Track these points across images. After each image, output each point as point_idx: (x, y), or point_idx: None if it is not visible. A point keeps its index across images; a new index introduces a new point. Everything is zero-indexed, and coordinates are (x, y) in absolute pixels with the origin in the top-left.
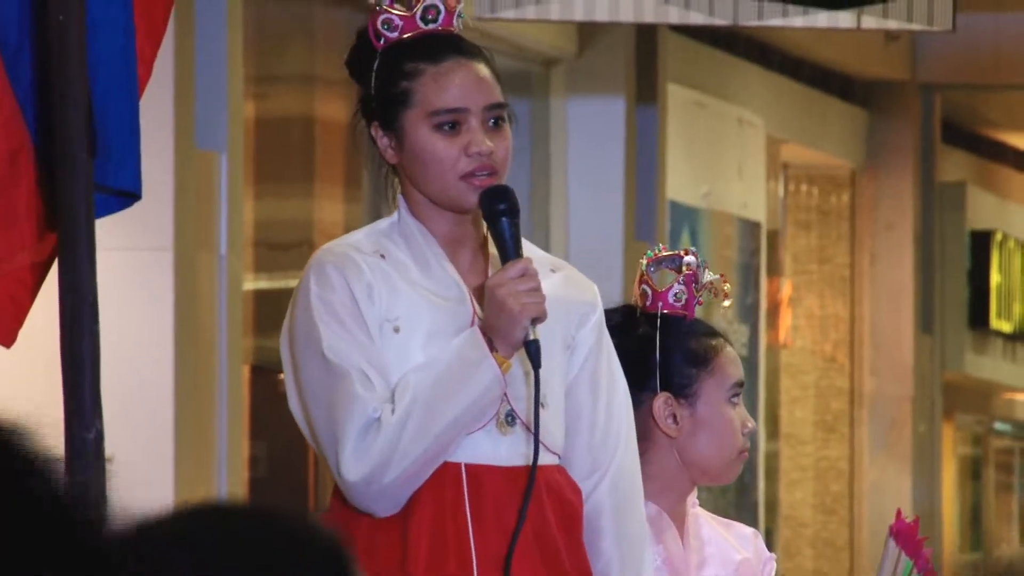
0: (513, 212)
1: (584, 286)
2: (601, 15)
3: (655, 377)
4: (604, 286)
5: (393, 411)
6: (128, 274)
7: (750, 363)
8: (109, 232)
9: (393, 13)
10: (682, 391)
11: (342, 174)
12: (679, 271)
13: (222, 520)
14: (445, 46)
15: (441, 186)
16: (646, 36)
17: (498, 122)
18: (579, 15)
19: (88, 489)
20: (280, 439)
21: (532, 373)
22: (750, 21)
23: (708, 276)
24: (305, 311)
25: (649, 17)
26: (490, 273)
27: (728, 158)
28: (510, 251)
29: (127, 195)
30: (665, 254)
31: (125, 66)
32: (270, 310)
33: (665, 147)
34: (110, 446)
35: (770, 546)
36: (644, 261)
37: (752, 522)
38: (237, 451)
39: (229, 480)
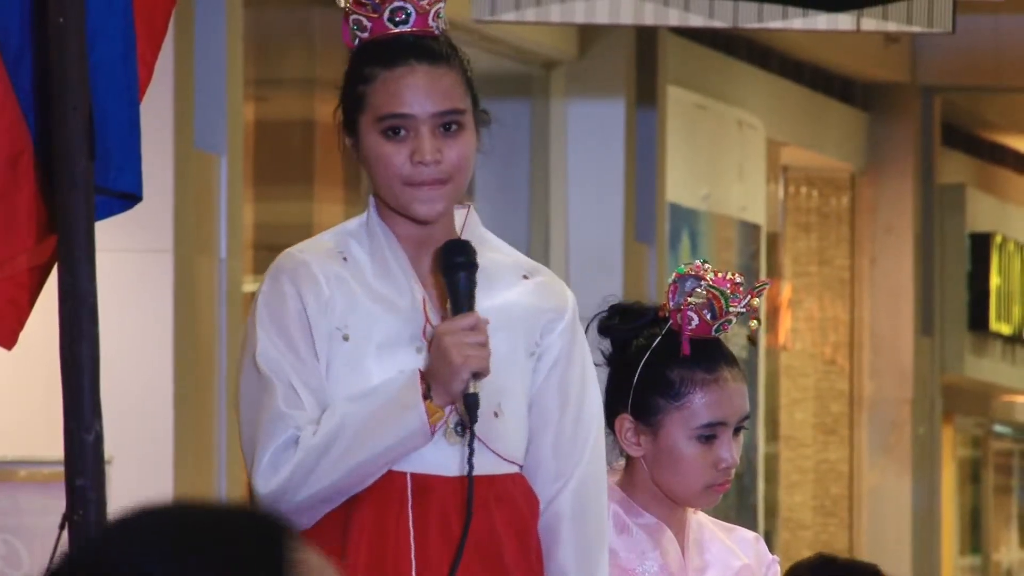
0: (471, 266)
1: (554, 293)
2: (601, 17)
3: (629, 396)
4: (604, 288)
5: (315, 433)
6: (128, 276)
7: (750, 365)
8: (108, 234)
9: (361, 15)
10: (646, 419)
11: (341, 176)
12: (694, 295)
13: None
14: (403, 50)
15: (390, 192)
16: (646, 38)
17: (451, 127)
18: (579, 17)
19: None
20: None
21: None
22: (750, 23)
23: (735, 307)
24: (252, 315)
25: (649, 19)
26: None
27: (728, 160)
28: (463, 304)
29: (128, 197)
30: (691, 274)
31: (125, 69)
32: None
33: (665, 149)
34: (109, 448)
35: (770, 549)
36: (673, 276)
37: (752, 524)
38: (236, 454)
39: (228, 483)
